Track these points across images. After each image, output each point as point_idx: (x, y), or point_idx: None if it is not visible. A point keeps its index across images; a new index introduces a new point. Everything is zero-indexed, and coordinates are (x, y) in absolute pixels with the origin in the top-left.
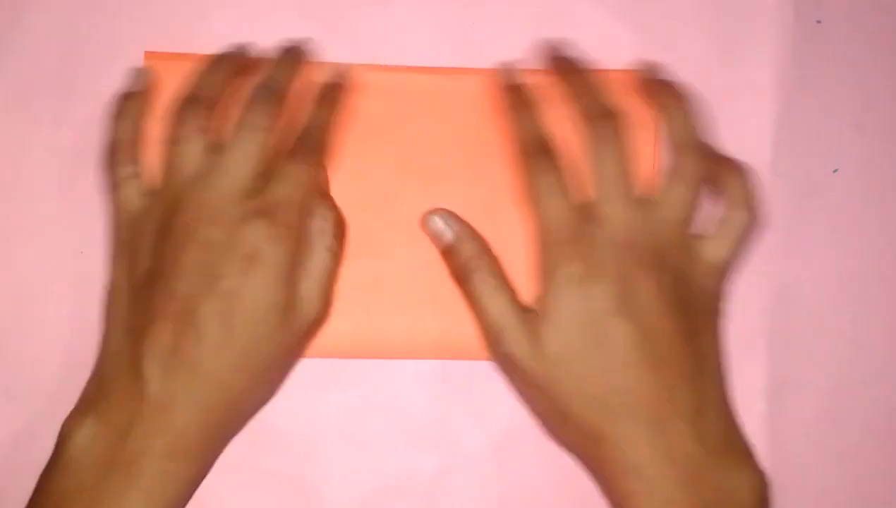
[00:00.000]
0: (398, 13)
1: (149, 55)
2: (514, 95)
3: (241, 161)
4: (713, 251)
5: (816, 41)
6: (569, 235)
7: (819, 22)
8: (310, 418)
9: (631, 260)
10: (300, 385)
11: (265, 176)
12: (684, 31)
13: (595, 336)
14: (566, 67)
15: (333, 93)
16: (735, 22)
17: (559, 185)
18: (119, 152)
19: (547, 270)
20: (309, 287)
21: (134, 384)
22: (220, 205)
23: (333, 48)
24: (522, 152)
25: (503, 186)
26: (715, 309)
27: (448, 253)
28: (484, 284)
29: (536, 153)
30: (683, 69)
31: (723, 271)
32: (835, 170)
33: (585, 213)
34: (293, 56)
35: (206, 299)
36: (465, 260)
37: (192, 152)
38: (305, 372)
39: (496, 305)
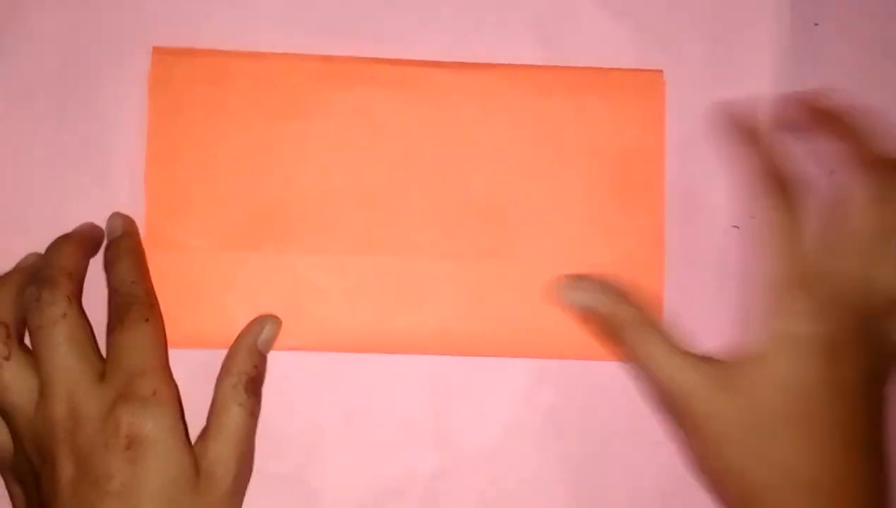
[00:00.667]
0: (398, 11)
1: (157, 50)
2: (752, 130)
3: (63, 360)
4: None
5: (814, 44)
6: (801, 282)
7: (816, 24)
8: (309, 419)
9: (854, 328)
10: (300, 385)
11: (99, 354)
12: (683, 32)
13: (804, 402)
14: (832, 119)
15: (122, 244)
16: (733, 24)
17: (800, 227)
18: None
19: (769, 316)
20: (219, 450)
21: None
22: (78, 406)
23: (337, 43)
24: (766, 187)
25: (511, 182)
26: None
27: (594, 317)
28: (653, 348)
29: (782, 190)
30: (681, 70)
31: None
32: (832, 172)
33: (823, 263)
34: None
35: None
36: (622, 323)
37: (10, 379)
38: (305, 372)
39: (675, 368)
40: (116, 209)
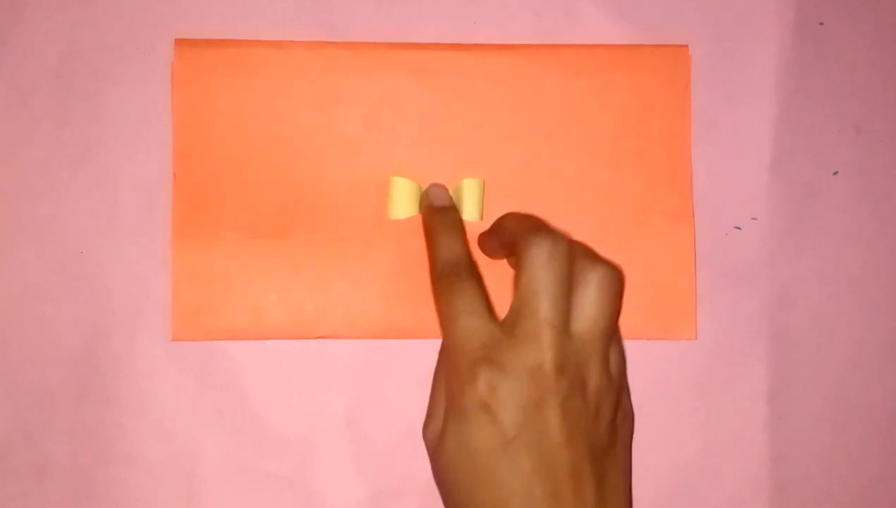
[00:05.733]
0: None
1: (179, 42)
2: (437, 217)
3: None
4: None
5: (818, 43)
6: (481, 354)
7: (821, 24)
8: (309, 419)
9: (542, 385)
10: (297, 384)
11: None
12: (685, 31)
13: (495, 458)
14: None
15: None
16: (736, 23)
17: (476, 304)
18: None
19: (452, 389)
20: None
21: None
22: None
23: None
24: (439, 275)
25: (537, 161)
26: (621, 425)
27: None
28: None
29: (451, 274)
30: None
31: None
32: (835, 173)
33: (503, 332)
34: None
35: None
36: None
37: None
38: (305, 372)
39: (433, 385)
40: (116, 209)
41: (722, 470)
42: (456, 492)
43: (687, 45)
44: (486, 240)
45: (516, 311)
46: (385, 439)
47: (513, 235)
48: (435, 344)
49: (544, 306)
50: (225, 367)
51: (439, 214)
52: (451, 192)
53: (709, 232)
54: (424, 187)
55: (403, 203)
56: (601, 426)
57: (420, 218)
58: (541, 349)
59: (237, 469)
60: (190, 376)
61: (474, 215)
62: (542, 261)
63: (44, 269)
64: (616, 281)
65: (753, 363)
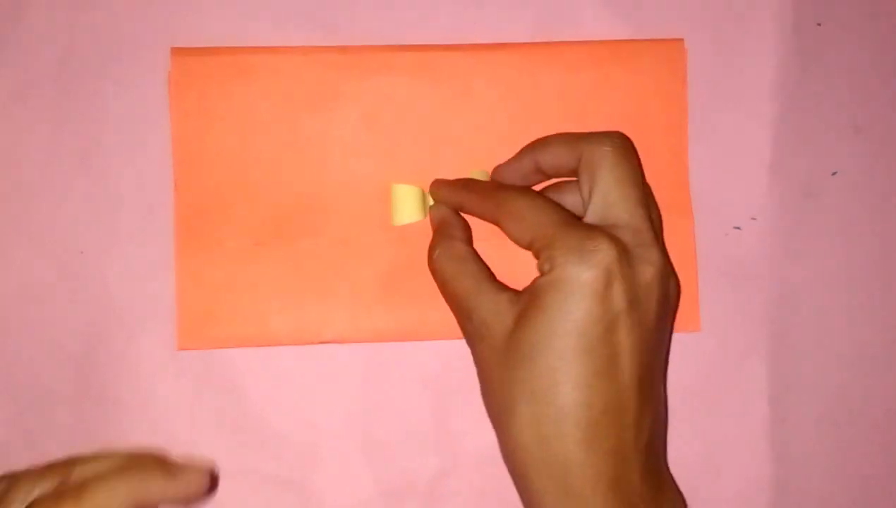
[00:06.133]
0: (396, 10)
1: (175, 51)
2: (457, 183)
3: None
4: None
5: (816, 43)
6: (591, 226)
7: (819, 24)
8: (309, 420)
9: (650, 260)
10: (299, 387)
11: None
12: (685, 31)
13: (597, 333)
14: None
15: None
16: (735, 23)
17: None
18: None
19: (570, 241)
20: None
21: None
22: None
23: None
24: (498, 189)
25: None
26: (671, 328)
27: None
28: (445, 270)
29: (514, 187)
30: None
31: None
32: (834, 173)
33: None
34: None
35: None
36: (430, 250)
37: None
38: (305, 372)
39: (461, 286)
40: (117, 210)
41: (722, 470)
42: (534, 368)
43: (682, 39)
44: (513, 168)
45: (602, 200)
46: (387, 441)
47: (569, 144)
48: (435, 345)
49: (635, 192)
50: (226, 369)
51: (461, 180)
52: None
53: (708, 232)
54: (426, 190)
55: (407, 209)
56: (671, 316)
57: (423, 222)
58: (644, 230)
59: (239, 472)
60: (190, 377)
61: None
62: (621, 154)
63: (44, 269)
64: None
65: (754, 363)
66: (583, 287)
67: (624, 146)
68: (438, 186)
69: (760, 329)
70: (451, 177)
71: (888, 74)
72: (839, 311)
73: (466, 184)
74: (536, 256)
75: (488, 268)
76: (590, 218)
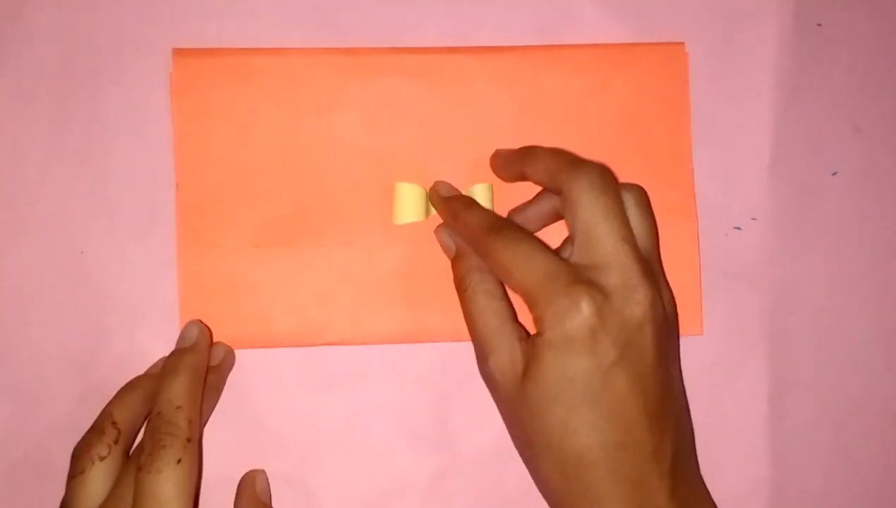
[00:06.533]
0: (398, 12)
1: (177, 52)
2: (456, 201)
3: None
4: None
5: (816, 44)
6: (574, 280)
7: (819, 25)
8: (309, 420)
9: (638, 303)
10: (300, 385)
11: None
12: (685, 32)
13: (596, 382)
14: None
15: (186, 359)
16: (735, 24)
17: (538, 243)
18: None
19: (545, 319)
20: None
21: None
22: None
23: (351, 35)
24: (487, 232)
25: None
26: (677, 346)
27: (452, 268)
28: (474, 302)
29: (501, 227)
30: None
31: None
32: (834, 173)
33: (580, 261)
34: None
35: None
36: (461, 277)
37: (91, 483)
38: (305, 372)
39: (485, 324)
40: (117, 209)
41: (721, 469)
42: (548, 419)
43: (683, 42)
44: (506, 163)
45: (586, 239)
46: (387, 440)
47: (550, 172)
48: (436, 346)
49: (615, 226)
50: None
51: (457, 198)
52: None
53: (709, 232)
54: (428, 190)
55: (409, 208)
56: (674, 337)
57: (425, 223)
58: (628, 268)
59: (239, 471)
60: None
61: None
62: (598, 189)
63: (44, 269)
64: (646, 196)
65: (753, 363)
66: (572, 346)
67: (602, 179)
68: (436, 201)
69: (760, 328)
70: (453, 181)
71: (888, 74)
72: (839, 311)
73: (456, 214)
74: (529, 310)
75: (512, 307)
76: (577, 256)
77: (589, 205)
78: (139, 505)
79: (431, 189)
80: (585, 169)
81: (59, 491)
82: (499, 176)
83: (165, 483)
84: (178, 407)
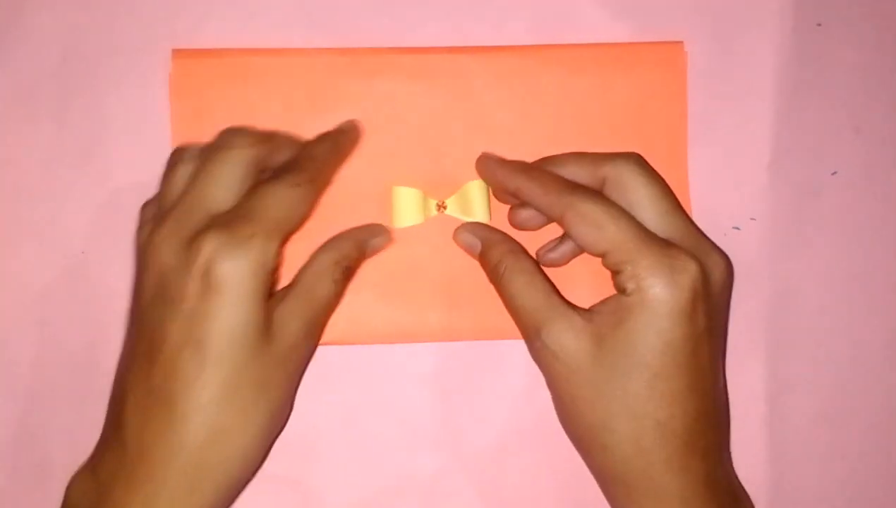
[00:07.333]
0: (396, 12)
1: (176, 53)
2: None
3: (214, 179)
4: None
5: (816, 44)
6: (668, 243)
7: (819, 25)
8: (309, 419)
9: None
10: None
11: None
12: (685, 32)
13: (688, 350)
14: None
15: (341, 138)
16: (736, 24)
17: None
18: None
19: (656, 263)
20: (299, 311)
21: (116, 432)
22: (184, 221)
23: (350, 35)
24: (571, 190)
25: (527, 160)
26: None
27: (482, 262)
28: (513, 283)
29: (582, 187)
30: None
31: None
32: (834, 173)
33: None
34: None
35: (171, 327)
36: (495, 264)
37: (181, 175)
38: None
39: (530, 300)
40: (117, 209)
41: None
42: (630, 384)
43: (682, 42)
44: (520, 215)
45: (655, 213)
46: (387, 440)
47: (549, 208)
48: (436, 346)
49: (675, 203)
50: None
51: (519, 162)
52: (457, 195)
53: (708, 232)
54: (426, 193)
55: (407, 211)
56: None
57: (422, 225)
58: (702, 241)
59: None
60: None
61: (483, 216)
62: (647, 172)
63: (44, 269)
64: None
65: (752, 363)
66: (673, 308)
67: (645, 163)
68: (488, 164)
69: (759, 328)
70: (452, 182)
71: (888, 74)
72: (838, 311)
73: (527, 169)
74: (614, 269)
75: (553, 283)
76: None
77: (644, 184)
78: (245, 199)
79: (478, 163)
80: (628, 154)
81: (60, 491)
82: (524, 228)
83: (278, 193)
84: (319, 158)
